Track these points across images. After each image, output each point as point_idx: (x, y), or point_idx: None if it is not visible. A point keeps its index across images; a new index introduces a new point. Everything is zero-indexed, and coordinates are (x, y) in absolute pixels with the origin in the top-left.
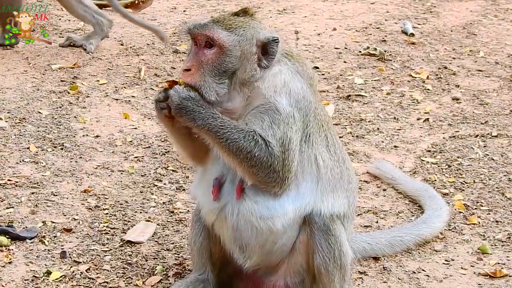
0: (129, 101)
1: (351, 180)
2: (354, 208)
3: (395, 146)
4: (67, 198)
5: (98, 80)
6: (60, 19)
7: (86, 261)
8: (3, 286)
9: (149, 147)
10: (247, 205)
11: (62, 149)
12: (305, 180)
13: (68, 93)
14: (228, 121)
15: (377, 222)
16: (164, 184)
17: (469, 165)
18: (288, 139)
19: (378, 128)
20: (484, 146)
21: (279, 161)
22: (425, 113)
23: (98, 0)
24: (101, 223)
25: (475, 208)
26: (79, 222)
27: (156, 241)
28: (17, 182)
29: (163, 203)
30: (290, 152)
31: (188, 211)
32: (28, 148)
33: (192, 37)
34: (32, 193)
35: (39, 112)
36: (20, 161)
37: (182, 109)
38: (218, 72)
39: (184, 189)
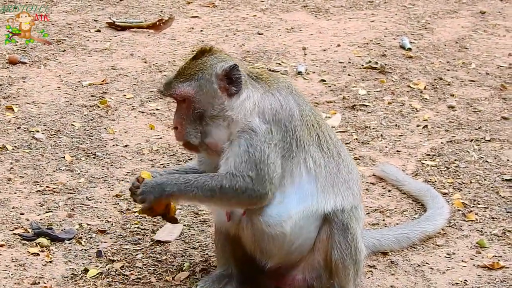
0: (154, 113)
1: (350, 170)
2: (360, 195)
3: (397, 151)
4: (100, 202)
5: (125, 95)
6: (88, 40)
7: (120, 259)
8: (45, 283)
9: (173, 155)
10: (255, 218)
11: (94, 158)
12: (301, 182)
13: (98, 107)
14: (192, 175)
15: (383, 220)
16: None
17: (465, 167)
18: (266, 155)
19: (381, 135)
20: (479, 150)
21: (254, 182)
22: (424, 120)
23: (120, 21)
24: (132, 224)
25: (473, 206)
26: (112, 224)
27: (183, 240)
28: (54, 188)
29: (188, 205)
30: (270, 166)
31: (211, 212)
32: (64, 157)
33: (164, 96)
34: (69, 198)
35: (73, 125)
36: (57, 169)
37: (153, 194)
38: (194, 119)
39: None
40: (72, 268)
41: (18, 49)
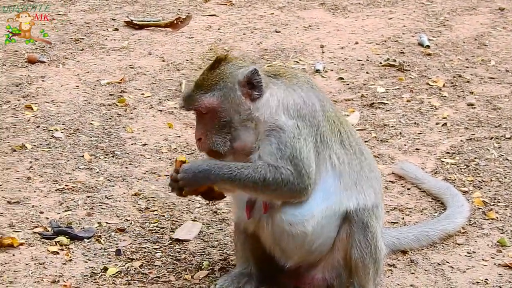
0: (172, 112)
1: (372, 168)
2: (382, 194)
3: (416, 149)
4: (119, 201)
5: (143, 93)
6: (106, 38)
7: (139, 258)
8: (64, 282)
9: (192, 153)
10: (276, 216)
11: (113, 156)
12: (326, 180)
13: (117, 105)
14: (234, 164)
15: (403, 218)
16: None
17: (485, 165)
18: (297, 151)
19: (400, 133)
20: (499, 148)
21: (294, 176)
22: (443, 118)
23: (138, 20)
24: (151, 223)
25: (493, 204)
26: (131, 223)
27: (202, 239)
28: (74, 187)
29: (207, 204)
30: (304, 161)
31: (230, 211)
32: (83, 156)
33: (187, 110)
34: (88, 197)
35: (91, 123)
36: (76, 168)
37: (195, 181)
38: (220, 127)
39: None
40: (92, 267)
41: (37, 48)
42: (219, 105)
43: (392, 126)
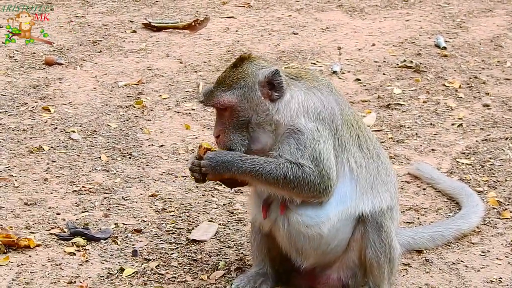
0: (189, 113)
1: (388, 172)
2: (397, 198)
3: (432, 149)
4: (136, 202)
5: (160, 95)
6: (124, 40)
7: (156, 258)
8: (81, 282)
9: None
10: (293, 218)
11: (130, 158)
12: (343, 183)
13: (134, 107)
14: (257, 159)
15: (418, 218)
16: (224, 187)
17: (500, 165)
18: (317, 152)
19: (416, 133)
20: None
21: (315, 175)
22: (459, 119)
23: (155, 22)
24: (168, 224)
25: (508, 204)
26: (148, 224)
27: (218, 239)
28: (90, 188)
29: (223, 205)
30: (324, 162)
31: (246, 211)
32: (100, 157)
33: (206, 106)
34: (105, 198)
35: (108, 125)
36: (93, 170)
37: (217, 170)
38: (238, 126)
39: (242, 192)
40: (108, 268)
41: (54, 50)
42: (238, 103)
43: (408, 127)
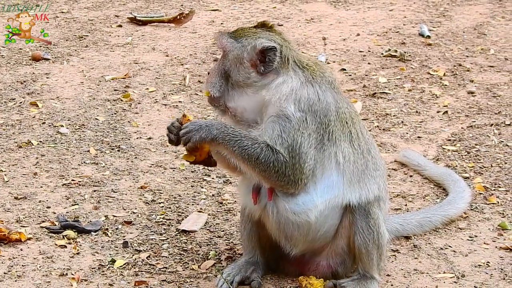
0: (177, 106)
1: (377, 167)
2: (386, 190)
3: (418, 137)
4: (126, 194)
5: (147, 88)
6: (110, 35)
7: (146, 249)
8: (72, 274)
9: None
10: (281, 204)
11: (119, 150)
12: (330, 174)
13: (121, 100)
14: (239, 131)
15: (406, 205)
16: (213, 178)
17: (486, 151)
18: (298, 144)
19: (402, 121)
20: (499, 134)
21: (288, 166)
22: (444, 106)
23: (141, 16)
24: (157, 215)
25: (494, 189)
26: (138, 215)
27: (208, 229)
28: (80, 181)
29: (213, 195)
30: (301, 155)
31: (235, 201)
32: (88, 151)
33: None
34: (94, 191)
35: (96, 119)
36: (82, 163)
37: (199, 134)
38: (221, 74)
39: (230, 182)
40: (99, 259)
41: (41, 46)
42: (228, 52)
43: (394, 115)
